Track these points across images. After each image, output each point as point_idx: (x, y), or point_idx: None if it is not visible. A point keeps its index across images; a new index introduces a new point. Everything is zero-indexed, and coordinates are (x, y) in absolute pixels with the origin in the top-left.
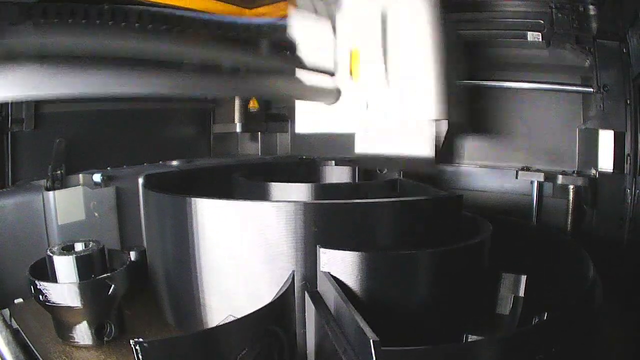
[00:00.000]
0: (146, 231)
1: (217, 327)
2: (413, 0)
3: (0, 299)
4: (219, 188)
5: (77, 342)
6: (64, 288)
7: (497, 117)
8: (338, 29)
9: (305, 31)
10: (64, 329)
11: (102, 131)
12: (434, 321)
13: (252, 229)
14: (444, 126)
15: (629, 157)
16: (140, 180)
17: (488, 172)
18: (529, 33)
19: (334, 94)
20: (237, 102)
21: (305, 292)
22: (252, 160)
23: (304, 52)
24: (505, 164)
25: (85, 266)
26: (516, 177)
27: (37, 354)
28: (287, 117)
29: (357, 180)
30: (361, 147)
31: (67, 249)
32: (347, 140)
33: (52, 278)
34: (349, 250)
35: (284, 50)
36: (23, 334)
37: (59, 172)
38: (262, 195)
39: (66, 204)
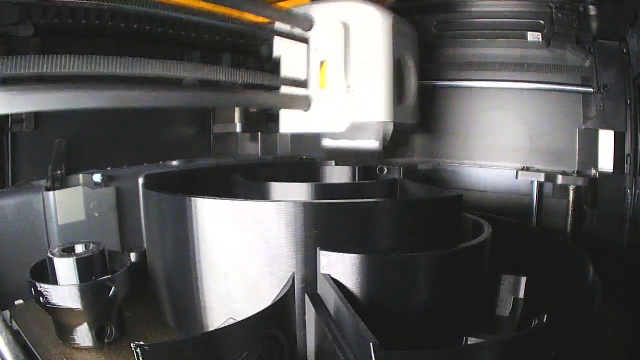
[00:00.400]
0: (146, 232)
1: (218, 330)
2: (369, 15)
3: (1, 299)
4: (219, 188)
5: (78, 344)
6: (64, 290)
7: (497, 117)
8: (310, 47)
9: (285, 49)
10: (65, 331)
11: (102, 131)
12: (434, 324)
13: (252, 228)
14: (390, 126)
15: (629, 157)
16: (140, 180)
17: (488, 172)
18: (529, 33)
19: (306, 102)
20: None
21: (305, 295)
22: (252, 160)
23: (285, 66)
24: (505, 164)
25: (85, 268)
26: (516, 177)
27: (37, 355)
28: None
29: (357, 180)
30: (328, 142)
31: (68, 251)
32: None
33: (53, 280)
34: (349, 252)
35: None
36: (23, 336)
37: (59, 172)
38: (262, 195)
39: (66, 204)
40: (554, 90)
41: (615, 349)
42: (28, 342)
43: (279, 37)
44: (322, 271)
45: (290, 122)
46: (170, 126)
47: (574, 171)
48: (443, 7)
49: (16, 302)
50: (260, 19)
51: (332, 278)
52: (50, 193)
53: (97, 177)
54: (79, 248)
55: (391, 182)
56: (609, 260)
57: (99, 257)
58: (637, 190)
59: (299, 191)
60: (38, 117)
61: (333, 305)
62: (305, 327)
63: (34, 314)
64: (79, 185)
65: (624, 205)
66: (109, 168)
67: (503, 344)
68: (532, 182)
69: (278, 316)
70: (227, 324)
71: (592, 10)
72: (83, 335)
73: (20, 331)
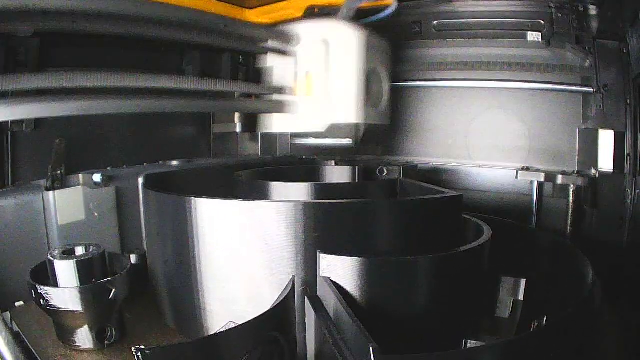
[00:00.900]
0: (146, 232)
1: (218, 333)
2: (344, 33)
3: (1, 300)
4: (219, 188)
5: (79, 346)
6: (65, 292)
7: (497, 117)
8: (298, 58)
9: (276, 61)
10: (65, 333)
11: (102, 131)
12: (434, 326)
13: (252, 229)
14: (362, 127)
15: (629, 157)
16: (140, 180)
17: (488, 172)
18: (529, 33)
19: (292, 107)
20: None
21: (305, 297)
22: (252, 160)
23: (277, 76)
24: (505, 164)
25: (86, 270)
26: (516, 177)
27: (38, 357)
28: None
29: (357, 180)
30: (312, 141)
31: (68, 253)
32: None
33: (53, 282)
34: (350, 252)
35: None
36: (24, 337)
37: (59, 172)
38: (262, 195)
39: (66, 204)
40: (554, 90)
41: (615, 350)
42: (29, 343)
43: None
44: (322, 274)
45: (279, 123)
46: (170, 126)
47: (574, 171)
48: (443, 7)
49: (16, 304)
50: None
51: (332, 281)
52: (50, 193)
53: (97, 177)
54: (79, 250)
55: (391, 182)
56: (609, 260)
57: (99, 260)
58: (637, 190)
59: (299, 191)
60: (38, 118)
61: (333, 308)
62: (305, 330)
63: (34, 316)
64: (79, 185)
65: (624, 205)
66: (109, 168)
67: (503, 346)
68: (532, 182)
69: (278, 319)
70: (227, 328)
71: (592, 10)
72: (84, 337)
73: (21, 333)
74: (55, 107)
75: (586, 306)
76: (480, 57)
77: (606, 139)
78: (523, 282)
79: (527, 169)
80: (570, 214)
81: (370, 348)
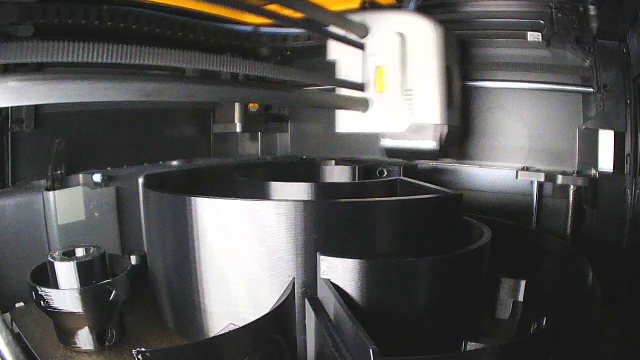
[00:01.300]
0: (146, 232)
1: (219, 336)
2: (424, 28)
3: (1, 301)
4: (219, 188)
5: (79, 347)
6: (65, 294)
7: (497, 117)
8: (367, 51)
9: (340, 53)
10: (66, 334)
11: (102, 131)
12: (433, 328)
13: (252, 228)
14: (445, 129)
15: (629, 157)
16: (140, 180)
17: (488, 172)
18: (529, 33)
19: (365, 104)
20: (237, 102)
21: (306, 299)
22: (252, 160)
23: (340, 70)
24: (505, 164)
25: (86, 272)
26: (516, 177)
27: (39, 359)
28: (287, 117)
29: (357, 180)
30: (387, 142)
31: (68, 254)
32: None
33: (53, 283)
34: (350, 252)
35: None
36: (24, 339)
37: (59, 172)
38: (262, 194)
39: (66, 204)
40: (554, 90)
41: (614, 351)
42: (29, 345)
43: (334, 42)
44: (322, 276)
45: (348, 122)
46: (170, 126)
47: (574, 171)
48: (443, 7)
49: (17, 305)
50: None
51: (332, 283)
52: (50, 193)
53: (97, 177)
54: (80, 252)
55: (391, 182)
56: (608, 260)
57: (99, 261)
58: (637, 190)
59: (299, 191)
60: (38, 117)
61: (333, 310)
62: (305, 332)
63: (34, 317)
64: (79, 185)
65: (624, 205)
66: (109, 168)
67: (502, 349)
68: (532, 182)
69: (278, 321)
70: (228, 330)
71: (592, 10)
72: (84, 338)
73: (22, 334)
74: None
75: (586, 308)
76: (481, 57)
77: (606, 139)
78: (523, 283)
79: (527, 169)
80: (570, 214)
81: (370, 351)
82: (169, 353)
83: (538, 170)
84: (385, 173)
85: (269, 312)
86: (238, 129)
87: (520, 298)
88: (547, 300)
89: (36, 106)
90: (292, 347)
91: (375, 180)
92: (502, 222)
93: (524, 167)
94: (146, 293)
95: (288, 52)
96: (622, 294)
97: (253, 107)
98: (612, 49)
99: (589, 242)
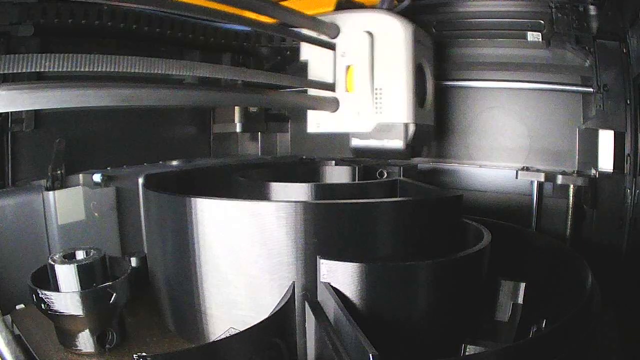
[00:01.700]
0: (146, 233)
1: (219, 340)
2: (392, 26)
3: (1, 302)
4: (219, 188)
5: (80, 350)
6: (66, 297)
7: (497, 117)
8: (337, 52)
9: (312, 54)
10: (67, 337)
11: (102, 131)
12: (433, 331)
13: (252, 229)
14: (412, 127)
15: (629, 157)
16: (140, 180)
17: (488, 172)
18: (529, 33)
19: (334, 104)
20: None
21: (306, 302)
22: (252, 160)
23: (312, 70)
24: (505, 164)
25: (86, 274)
26: (516, 177)
27: None
28: (287, 117)
29: (357, 180)
30: (355, 142)
31: (68, 257)
32: (345, 141)
33: (54, 286)
34: (350, 253)
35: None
36: (25, 341)
37: (59, 172)
38: (262, 195)
39: (66, 204)
40: (554, 90)
41: (615, 354)
42: (30, 347)
43: (306, 43)
44: (322, 279)
45: (318, 122)
46: (170, 126)
47: (574, 171)
48: (443, 7)
49: (17, 307)
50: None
51: (332, 286)
52: (50, 193)
53: (97, 177)
54: (80, 254)
55: (391, 183)
56: (608, 260)
57: (99, 264)
58: (637, 190)
59: (299, 191)
60: (38, 117)
61: (333, 313)
62: (305, 335)
63: (35, 319)
64: (79, 185)
65: (624, 205)
66: (109, 168)
67: (501, 353)
68: (532, 182)
69: (279, 325)
70: (228, 334)
71: (592, 10)
72: (85, 341)
73: (22, 336)
74: (61, 97)
75: (585, 311)
76: (480, 57)
77: (606, 139)
78: (522, 285)
79: (527, 169)
80: (570, 214)
81: (370, 356)
82: (169, 357)
83: (538, 170)
84: (385, 175)
85: (269, 317)
86: (238, 129)
87: (520, 300)
88: (547, 303)
89: None
90: (292, 351)
91: (375, 181)
92: (501, 224)
93: (524, 167)
94: (147, 295)
95: (288, 52)
96: (622, 294)
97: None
98: (612, 49)
99: (588, 242)
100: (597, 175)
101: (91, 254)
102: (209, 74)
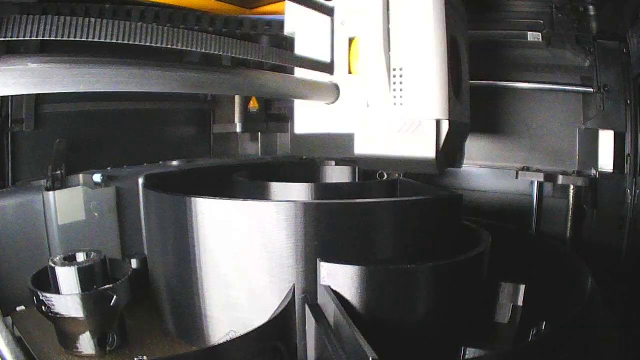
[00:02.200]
0: (147, 233)
1: (220, 344)
2: None
3: (2, 302)
4: (219, 188)
5: (80, 352)
6: (67, 299)
7: (497, 117)
8: (336, 19)
9: (301, 23)
10: (67, 339)
11: (102, 131)
12: (433, 334)
13: (252, 229)
14: (445, 126)
15: (629, 157)
16: (140, 180)
17: (488, 172)
18: (529, 33)
19: (333, 92)
20: (237, 102)
21: (306, 305)
22: (252, 160)
23: (301, 46)
24: (505, 164)
25: (87, 277)
26: (516, 177)
27: None
28: (287, 117)
29: (357, 180)
30: (361, 148)
31: (69, 259)
32: (348, 140)
33: (54, 288)
34: (349, 260)
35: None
36: (25, 343)
37: (59, 172)
38: (262, 195)
39: (66, 204)
40: (554, 90)
41: (614, 354)
42: (30, 349)
43: (291, 10)
44: (322, 282)
45: (309, 119)
46: (170, 126)
47: (574, 171)
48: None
49: (17, 309)
50: None
51: (331, 289)
52: (50, 193)
53: (97, 177)
54: (80, 256)
55: (391, 182)
56: (608, 260)
57: (100, 266)
58: (637, 190)
59: (299, 191)
60: (38, 117)
61: (333, 316)
62: (305, 337)
63: (35, 321)
64: (79, 185)
65: (624, 205)
66: (109, 168)
67: (501, 356)
68: (532, 182)
69: (279, 328)
70: (228, 337)
71: (592, 10)
72: (85, 343)
73: (22, 338)
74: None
75: (585, 313)
76: (480, 56)
77: (606, 139)
78: (522, 287)
79: (527, 169)
80: (570, 214)
81: (370, 359)
82: None
83: (538, 170)
84: (385, 176)
85: (269, 320)
86: (238, 129)
87: (520, 302)
88: (547, 305)
89: (36, 106)
90: (292, 353)
91: (375, 180)
92: (501, 226)
93: (524, 167)
94: (147, 297)
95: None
96: (622, 294)
97: (253, 107)
98: (612, 49)
99: (588, 242)
100: (597, 175)
101: (91, 256)
102: (168, 43)
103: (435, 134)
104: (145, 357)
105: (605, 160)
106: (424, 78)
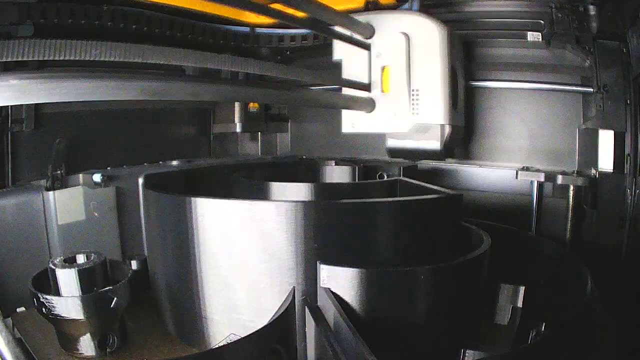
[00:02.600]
0: (147, 234)
1: (220, 347)
2: (429, 28)
3: (2, 303)
4: (219, 188)
5: (81, 354)
6: (67, 301)
7: (497, 117)
8: (372, 52)
9: (346, 54)
10: (67, 341)
11: (102, 131)
12: (433, 337)
13: (252, 229)
14: (449, 129)
15: (629, 157)
16: (140, 180)
17: (488, 172)
18: (529, 33)
19: (371, 104)
20: (237, 102)
21: (306, 307)
22: (252, 160)
23: (347, 70)
24: (505, 164)
25: (87, 279)
26: (516, 177)
27: None
28: (287, 117)
29: (357, 180)
30: (391, 143)
31: (69, 261)
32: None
33: (55, 290)
34: (349, 261)
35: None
36: (26, 344)
37: (59, 172)
38: (262, 195)
39: (66, 204)
40: (554, 90)
41: (613, 355)
42: (31, 350)
43: (339, 42)
44: (322, 285)
45: (353, 122)
46: (170, 126)
47: (574, 171)
48: (442, 7)
49: (18, 310)
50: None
51: (332, 292)
52: (50, 193)
53: (97, 177)
54: (81, 258)
55: (391, 182)
56: (608, 260)
57: (100, 268)
58: (637, 190)
59: (299, 191)
60: (38, 117)
61: (333, 319)
62: (305, 340)
63: (36, 322)
64: (79, 185)
65: (624, 205)
66: (109, 168)
67: (501, 358)
68: (532, 182)
69: (279, 332)
70: (229, 340)
71: (592, 10)
72: (86, 345)
73: (23, 339)
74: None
75: (585, 314)
76: (480, 57)
77: (606, 139)
78: (522, 289)
79: (527, 169)
80: (570, 214)
81: None
82: None
83: (538, 170)
84: (385, 177)
85: (269, 323)
86: (238, 129)
87: (520, 304)
88: (546, 306)
89: (36, 106)
90: (292, 355)
91: (375, 180)
92: (501, 227)
93: (524, 167)
94: (147, 298)
95: (288, 52)
96: (622, 295)
97: (253, 107)
98: (612, 49)
99: (588, 243)
100: (597, 175)
101: (92, 258)
102: (233, 68)
103: (440, 134)
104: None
105: (605, 160)
106: (433, 96)
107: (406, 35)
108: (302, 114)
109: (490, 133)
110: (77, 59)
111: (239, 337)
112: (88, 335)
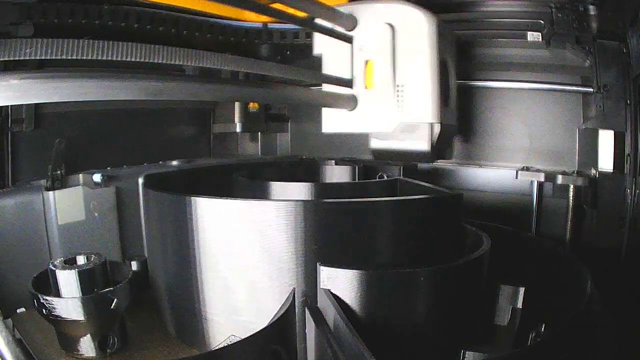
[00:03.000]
0: (147, 234)
1: (220, 348)
2: (416, 18)
3: (2, 303)
4: (219, 188)
5: (81, 355)
6: (67, 302)
7: (497, 117)
8: (355, 46)
9: (327, 48)
10: (68, 341)
11: (102, 131)
12: (433, 338)
13: (252, 229)
14: (438, 128)
15: (629, 157)
16: (140, 180)
17: (488, 172)
18: (529, 33)
19: (352, 102)
20: (237, 102)
21: (306, 308)
22: (252, 160)
23: (327, 66)
24: (505, 164)
25: (87, 280)
26: (516, 177)
27: None
28: (287, 117)
29: (357, 180)
30: (375, 143)
31: (70, 263)
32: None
33: (55, 291)
34: (349, 266)
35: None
36: (26, 345)
37: (59, 172)
38: (262, 195)
39: (66, 204)
40: (554, 90)
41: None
42: (31, 351)
43: (319, 35)
44: (322, 286)
45: (334, 121)
46: (170, 126)
47: (574, 171)
48: (442, 7)
49: (18, 311)
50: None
51: (331, 293)
52: (50, 193)
53: (97, 177)
54: (81, 259)
55: (391, 182)
56: (608, 260)
57: (100, 269)
58: (637, 190)
59: (299, 191)
60: (38, 117)
61: (333, 320)
62: (305, 341)
63: (36, 323)
64: (79, 185)
65: (624, 205)
66: (109, 168)
67: None
68: (532, 182)
69: (280, 333)
70: (229, 342)
71: (592, 10)
72: (86, 345)
73: (23, 340)
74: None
75: (584, 315)
76: (481, 57)
77: (606, 139)
78: (522, 290)
79: (527, 169)
80: (570, 214)
81: None
82: None
83: (538, 170)
84: (385, 177)
85: (269, 324)
86: (238, 129)
87: (519, 305)
88: (546, 307)
89: (36, 106)
90: (292, 357)
91: (375, 180)
92: (500, 228)
93: (524, 167)
94: (147, 299)
95: (288, 52)
96: (621, 295)
97: (253, 107)
98: (612, 49)
99: (588, 242)
100: (597, 175)
101: (92, 259)
102: (215, 65)
103: (429, 133)
104: None
105: (605, 160)
106: (420, 93)
107: (391, 26)
108: (302, 114)
109: (490, 133)
110: (77, 58)
111: (239, 339)
112: (88, 336)
